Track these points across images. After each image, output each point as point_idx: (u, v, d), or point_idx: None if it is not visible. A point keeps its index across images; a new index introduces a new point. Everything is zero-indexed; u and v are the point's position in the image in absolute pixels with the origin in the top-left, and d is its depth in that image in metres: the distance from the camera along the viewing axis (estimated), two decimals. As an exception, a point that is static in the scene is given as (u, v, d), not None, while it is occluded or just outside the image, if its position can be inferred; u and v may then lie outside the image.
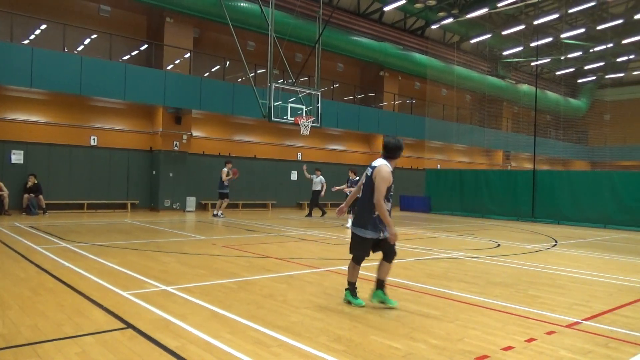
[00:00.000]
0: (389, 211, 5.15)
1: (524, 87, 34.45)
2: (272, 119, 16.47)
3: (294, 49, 21.38)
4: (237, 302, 5.33)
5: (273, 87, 16.23)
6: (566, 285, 6.81)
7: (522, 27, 27.69)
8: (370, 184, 5.17)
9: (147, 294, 5.55)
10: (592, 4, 25.00)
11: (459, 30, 28.50)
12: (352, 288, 5.38)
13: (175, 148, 18.98)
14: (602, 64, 35.77)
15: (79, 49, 18.29)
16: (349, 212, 12.84)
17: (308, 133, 17.37)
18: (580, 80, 40.52)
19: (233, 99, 19.11)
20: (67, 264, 7.26)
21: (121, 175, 18.38)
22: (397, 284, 6.37)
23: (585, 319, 5.04)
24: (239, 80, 20.88)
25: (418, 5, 24.78)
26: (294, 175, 23.16)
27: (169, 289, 5.85)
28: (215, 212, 16.92)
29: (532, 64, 33.61)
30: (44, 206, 15.80)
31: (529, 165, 28.59)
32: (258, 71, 20.64)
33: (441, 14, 25.45)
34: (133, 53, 19.86)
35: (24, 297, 5.27)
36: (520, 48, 30.22)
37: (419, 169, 27.27)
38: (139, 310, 4.88)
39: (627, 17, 27.89)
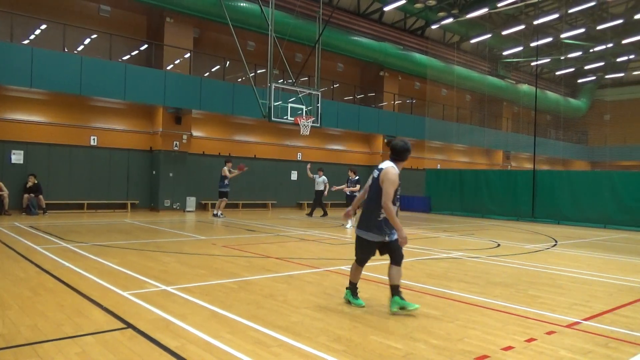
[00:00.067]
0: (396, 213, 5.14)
1: (524, 87, 34.43)
2: (272, 119, 16.47)
3: (294, 49, 21.38)
4: (237, 302, 5.33)
5: (273, 87, 16.22)
6: (566, 285, 6.80)
7: (522, 27, 27.69)
8: (376, 186, 5.08)
9: (147, 294, 5.55)
10: (592, 4, 24.99)
11: (459, 30, 28.50)
12: (353, 288, 5.38)
13: (175, 148, 18.97)
14: (602, 64, 35.76)
15: (79, 49, 18.28)
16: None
17: (308, 133, 17.37)
18: (580, 80, 40.50)
19: (233, 99, 19.11)
20: (67, 264, 7.26)
21: (121, 175, 18.38)
22: (397, 284, 6.36)
23: (585, 319, 5.04)
24: (239, 80, 20.87)
25: (418, 5, 24.77)
26: (294, 175, 23.16)
27: (169, 289, 5.85)
28: (215, 212, 16.92)
29: (532, 64, 33.61)
30: (44, 206, 15.80)
31: (529, 165, 28.57)
32: (258, 71, 20.63)
33: (441, 14, 25.45)
34: (133, 53, 19.85)
35: (23, 297, 5.27)
36: (520, 48, 30.21)
37: (419, 169, 27.25)
38: (139, 310, 4.88)
39: (627, 17, 27.88)
